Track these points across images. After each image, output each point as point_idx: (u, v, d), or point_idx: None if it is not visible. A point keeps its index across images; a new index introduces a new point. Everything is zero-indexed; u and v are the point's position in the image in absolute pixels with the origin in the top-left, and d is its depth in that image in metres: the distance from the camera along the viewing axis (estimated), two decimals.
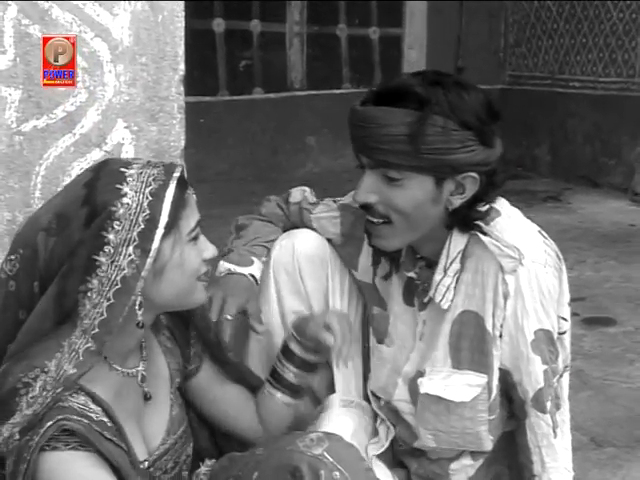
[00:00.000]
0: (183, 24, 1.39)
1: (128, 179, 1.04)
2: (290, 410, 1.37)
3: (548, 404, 1.28)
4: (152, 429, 1.18)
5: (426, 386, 1.31)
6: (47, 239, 1.04)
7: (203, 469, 1.31)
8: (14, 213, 1.32)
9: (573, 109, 5.24)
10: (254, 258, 1.42)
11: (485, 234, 1.25)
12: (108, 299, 1.02)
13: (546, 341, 1.26)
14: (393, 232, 1.25)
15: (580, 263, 3.33)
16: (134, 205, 1.02)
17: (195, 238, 1.11)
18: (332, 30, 5.28)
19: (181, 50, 1.39)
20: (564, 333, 1.32)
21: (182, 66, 1.40)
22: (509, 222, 1.28)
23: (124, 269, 1.02)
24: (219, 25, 4.84)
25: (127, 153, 1.38)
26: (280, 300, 1.46)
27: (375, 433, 1.46)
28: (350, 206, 1.42)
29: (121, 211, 1.02)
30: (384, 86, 1.24)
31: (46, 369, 1.02)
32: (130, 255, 1.02)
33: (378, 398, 1.45)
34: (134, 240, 1.02)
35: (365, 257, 1.43)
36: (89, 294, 1.02)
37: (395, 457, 1.46)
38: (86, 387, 1.05)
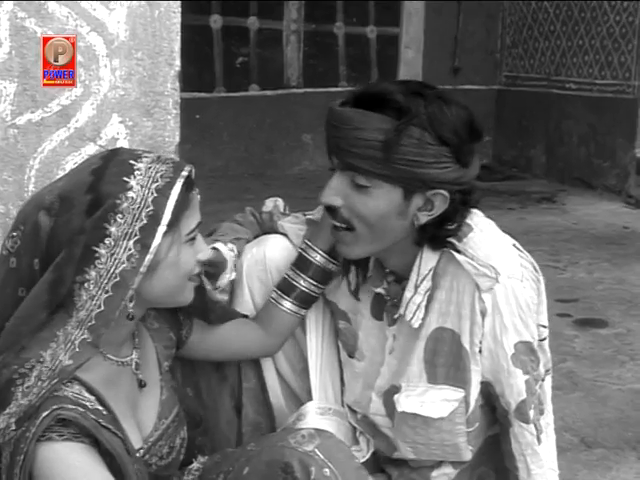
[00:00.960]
0: (179, 20, 1.38)
1: (136, 172, 1.04)
2: (296, 319, 1.39)
3: (531, 413, 1.27)
4: (145, 416, 1.18)
5: (403, 404, 1.30)
6: (49, 219, 1.04)
7: (195, 465, 1.31)
8: (7, 206, 1.31)
9: (569, 111, 5.26)
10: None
11: (459, 252, 1.22)
12: (106, 292, 1.02)
13: (526, 352, 1.25)
14: (355, 240, 1.23)
15: (573, 265, 3.35)
16: (138, 200, 1.02)
17: (193, 239, 1.11)
18: (329, 28, 5.30)
19: (177, 46, 1.38)
20: (544, 340, 1.31)
21: (178, 62, 1.39)
22: (482, 237, 1.25)
23: (123, 263, 1.02)
24: (216, 21, 4.84)
25: None
26: (256, 306, 1.44)
27: (355, 439, 1.45)
28: (316, 222, 1.39)
29: (125, 204, 1.02)
30: (365, 89, 1.20)
31: (41, 359, 1.02)
32: (130, 249, 1.02)
33: (354, 412, 1.45)
34: (135, 235, 1.02)
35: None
36: (86, 285, 1.02)
37: (376, 464, 1.45)
38: (80, 376, 1.05)
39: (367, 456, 1.42)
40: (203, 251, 1.14)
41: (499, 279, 1.20)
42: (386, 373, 1.35)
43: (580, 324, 2.71)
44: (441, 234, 1.22)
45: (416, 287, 1.25)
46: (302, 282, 1.35)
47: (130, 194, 1.02)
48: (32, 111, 1.31)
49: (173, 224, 1.05)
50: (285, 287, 1.36)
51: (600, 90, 5.05)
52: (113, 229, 1.01)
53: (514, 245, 1.28)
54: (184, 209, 1.07)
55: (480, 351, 1.25)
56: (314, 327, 1.45)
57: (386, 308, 1.34)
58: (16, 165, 1.31)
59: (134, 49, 1.35)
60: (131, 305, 1.06)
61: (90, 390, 1.06)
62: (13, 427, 0.99)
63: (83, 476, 0.99)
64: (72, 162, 1.34)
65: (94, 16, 1.32)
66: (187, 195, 1.07)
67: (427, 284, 1.25)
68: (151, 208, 1.02)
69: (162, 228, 1.03)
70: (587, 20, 5.14)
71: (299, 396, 1.49)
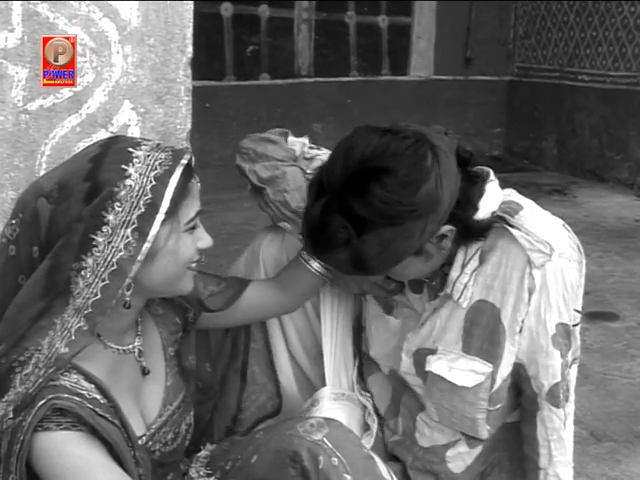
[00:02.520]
0: (192, 6, 1.37)
1: (134, 160, 1.03)
2: (319, 282, 1.38)
3: (561, 397, 1.28)
4: (149, 403, 1.18)
5: (432, 365, 1.33)
6: (48, 206, 1.03)
7: (203, 452, 1.31)
8: (19, 192, 1.30)
9: (581, 103, 5.21)
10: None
11: (512, 227, 1.24)
12: (103, 280, 1.01)
13: (563, 334, 1.26)
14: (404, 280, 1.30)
15: (584, 257, 3.36)
16: (137, 188, 1.01)
17: (193, 227, 1.10)
18: (341, 17, 5.25)
19: (189, 32, 1.37)
20: (577, 325, 1.32)
21: (190, 48, 1.38)
22: (534, 215, 1.27)
23: (121, 251, 1.01)
24: (227, 9, 4.81)
25: (133, 134, 1.36)
26: None
27: (367, 425, 1.46)
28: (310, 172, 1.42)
29: (123, 192, 1.01)
30: (312, 236, 1.17)
31: (39, 347, 1.02)
32: (128, 237, 1.01)
33: (371, 375, 1.47)
34: (133, 223, 1.01)
35: None
36: (83, 273, 1.01)
37: (385, 450, 1.45)
38: (79, 365, 1.05)
39: (374, 433, 1.43)
40: (204, 239, 1.13)
41: (554, 254, 1.22)
42: (416, 339, 1.37)
43: (591, 317, 2.70)
44: (476, 226, 1.23)
45: (463, 267, 1.27)
46: None
47: (128, 182, 1.01)
48: (44, 97, 1.30)
49: (172, 212, 1.04)
50: None
51: (613, 82, 5.00)
52: (111, 217, 1.01)
53: (563, 225, 1.30)
54: (183, 197, 1.06)
55: (520, 330, 1.26)
56: (329, 313, 1.46)
57: (426, 285, 1.36)
58: (27, 151, 1.31)
59: (146, 35, 1.34)
60: (128, 293, 1.04)
61: (89, 379, 1.05)
62: (11, 415, 0.99)
63: (84, 464, 0.99)
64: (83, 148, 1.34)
65: (106, 2, 1.31)
66: (186, 183, 1.06)
67: (474, 264, 1.27)
68: (149, 196, 1.01)
69: (160, 216, 1.02)
70: (601, 11, 5.08)
71: (312, 381, 1.50)
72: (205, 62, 4.54)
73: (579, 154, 5.26)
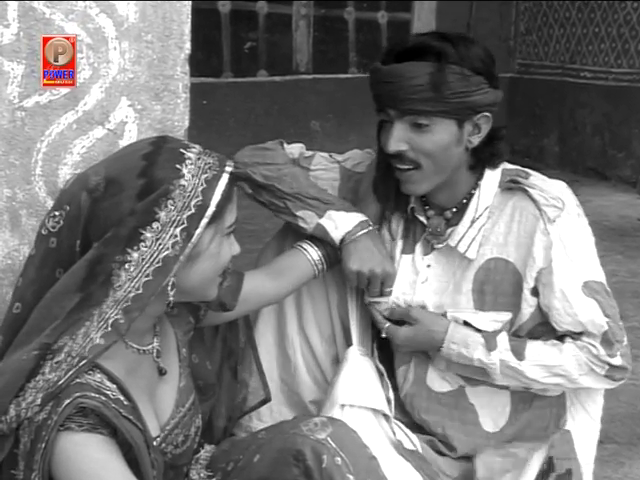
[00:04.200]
0: (190, 2, 1.36)
1: (187, 161, 1.06)
2: (312, 273, 1.45)
3: (615, 343, 1.39)
4: (163, 404, 1.18)
5: (455, 313, 1.42)
6: (89, 200, 1.05)
7: (203, 454, 1.31)
8: (14, 190, 1.29)
9: (583, 100, 5.19)
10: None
11: (527, 187, 1.38)
12: (146, 275, 1.03)
13: (596, 289, 1.37)
14: (422, 176, 1.38)
15: None
16: (189, 188, 1.04)
17: (230, 233, 1.13)
18: (340, 13, 5.24)
19: (187, 28, 1.35)
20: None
21: (188, 45, 1.36)
22: (543, 178, 1.43)
23: (168, 249, 1.03)
24: (225, 5, 4.79)
25: (130, 132, 1.34)
26: None
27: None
28: (352, 172, 1.55)
29: (177, 191, 1.03)
30: (401, 45, 1.38)
31: (74, 336, 1.02)
32: (176, 236, 1.03)
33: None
34: (182, 222, 1.03)
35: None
36: (126, 266, 1.03)
37: (411, 418, 1.52)
38: (101, 364, 1.05)
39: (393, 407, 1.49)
40: (235, 246, 1.15)
41: (565, 209, 1.37)
42: (419, 301, 1.47)
43: None
44: (494, 152, 1.40)
45: (472, 222, 1.41)
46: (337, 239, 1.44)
47: (182, 182, 1.04)
48: (40, 93, 1.28)
49: (218, 216, 1.07)
50: (317, 239, 1.45)
51: (616, 79, 4.98)
52: (162, 214, 1.03)
53: (567, 187, 1.45)
54: (228, 202, 1.09)
55: (536, 290, 1.38)
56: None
57: (425, 237, 1.48)
58: (23, 148, 1.29)
59: (144, 32, 1.32)
60: (172, 293, 1.06)
61: (112, 379, 1.05)
62: (38, 402, 0.99)
63: (100, 469, 0.99)
64: (80, 146, 1.32)
65: None
66: (231, 189, 1.09)
67: (482, 220, 1.41)
68: (200, 198, 1.04)
69: (206, 219, 1.05)
70: (604, 7, 5.06)
71: (320, 360, 1.57)
72: (202, 59, 4.52)
73: (581, 152, 5.25)
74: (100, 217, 1.04)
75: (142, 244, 1.03)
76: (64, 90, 1.30)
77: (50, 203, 1.28)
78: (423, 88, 1.31)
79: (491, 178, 1.42)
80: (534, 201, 1.37)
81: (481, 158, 1.41)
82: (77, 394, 0.99)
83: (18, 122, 1.27)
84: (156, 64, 1.34)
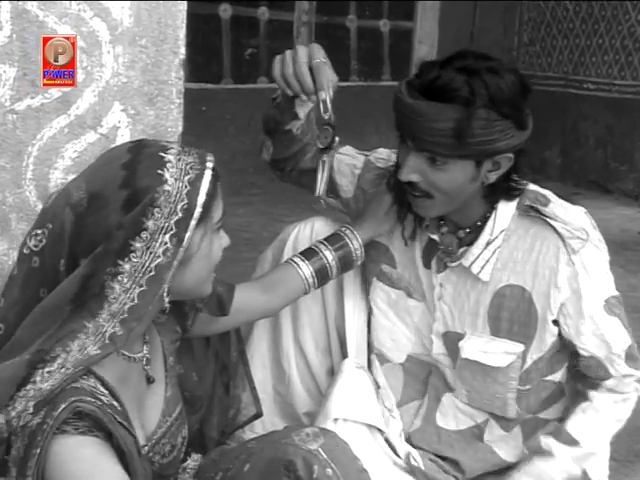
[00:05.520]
0: (185, 7, 1.34)
1: (168, 165, 1.03)
2: (303, 290, 1.43)
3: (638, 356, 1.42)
4: (149, 413, 1.17)
5: (467, 351, 1.42)
6: (72, 217, 1.02)
7: (191, 463, 1.29)
8: (4, 194, 1.28)
9: (586, 112, 5.18)
10: None
11: (548, 217, 1.37)
12: (140, 285, 1.01)
13: (616, 304, 1.41)
14: (432, 204, 1.37)
15: None
16: (174, 193, 1.01)
17: (219, 228, 1.11)
18: (342, 21, 5.22)
19: (182, 33, 1.34)
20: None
21: (183, 50, 1.35)
22: (561, 205, 1.41)
23: (159, 257, 1.01)
24: (225, 11, 4.76)
25: (123, 137, 1.34)
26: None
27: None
28: (373, 165, 1.53)
29: (162, 198, 1.01)
30: (429, 79, 1.29)
31: (67, 349, 1.00)
32: (166, 243, 1.01)
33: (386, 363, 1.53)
34: (171, 229, 1.01)
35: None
36: (119, 277, 1.01)
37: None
38: (94, 370, 1.03)
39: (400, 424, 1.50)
40: (225, 238, 1.14)
41: (588, 240, 1.37)
42: (441, 319, 1.47)
43: None
44: (511, 186, 1.38)
45: (487, 244, 1.39)
46: (329, 257, 1.43)
47: (166, 187, 1.01)
48: (32, 97, 1.27)
49: (205, 215, 1.05)
50: (310, 255, 1.43)
51: (619, 91, 4.96)
52: (150, 223, 1.00)
53: (585, 213, 1.45)
54: (213, 199, 1.06)
55: (557, 318, 1.38)
56: (351, 295, 1.55)
57: (438, 255, 1.46)
58: (14, 151, 1.27)
59: (138, 36, 1.31)
60: (167, 300, 1.05)
61: (104, 384, 1.04)
62: (30, 410, 0.96)
63: (97, 473, 0.97)
64: (72, 150, 1.31)
65: (98, 1, 1.27)
66: (215, 185, 1.07)
67: (498, 242, 1.40)
68: (185, 201, 1.02)
69: (194, 221, 1.03)
70: (607, 18, 5.04)
71: (315, 372, 1.57)
72: (202, 64, 4.49)
73: (583, 164, 5.23)
74: (86, 233, 1.01)
75: (132, 255, 1.00)
76: (56, 93, 1.28)
77: (40, 207, 1.28)
78: (445, 133, 1.26)
79: (506, 204, 1.41)
80: (557, 233, 1.37)
81: (496, 192, 1.38)
82: (73, 398, 0.97)
83: (9, 125, 1.26)
84: (150, 69, 1.33)
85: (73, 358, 0.99)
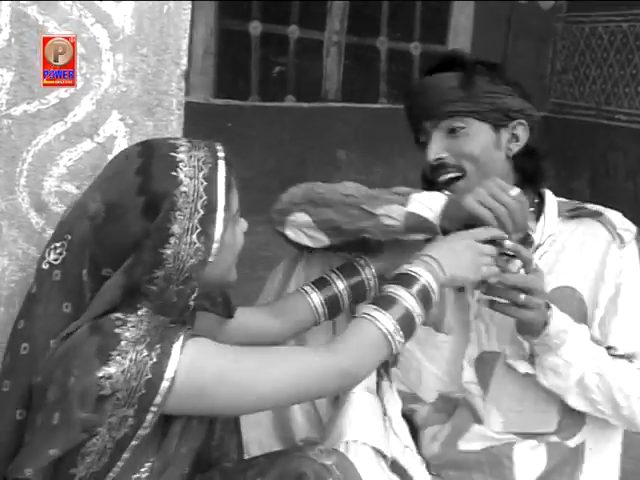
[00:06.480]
0: (189, 17, 1.32)
1: (180, 165, 1.03)
2: (312, 320, 1.38)
3: None
4: None
5: (520, 367, 1.38)
6: (92, 227, 1.03)
7: None
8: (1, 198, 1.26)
9: (617, 143, 5.08)
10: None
11: (593, 213, 1.41)
12: (177, 285, 1.03)
13: None
14: (467, 183, 1.36)
15: None
16: (191, 192, 1.02)
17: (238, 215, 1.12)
18: (372, 42, 5.22)
19: (185, 44, 1.32)
20: None
21: (185, 60, 1.33)
22: (601, 207, 1.45)
23: (192, 258, 1.02)
24: (256, 28, 4.79)
25: (120, 147, 1.31)
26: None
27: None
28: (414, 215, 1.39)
29: (180, 200, 1.02)
30: (432, 66, 1.46)
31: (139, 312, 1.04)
32: (195, 243, 1.02)
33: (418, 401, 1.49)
34: (196, 228, 1.02)
35: None
36: (156, 281, 1.03)
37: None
38: None
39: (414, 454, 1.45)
40: (243, 223, 1.15)
41: (634, 234, 1.41)
42: (475, 340, 1.43)
43: None
44: (537, 168, 1.44)
45: (535, 249, 1.39)
46: (340, 285, 1.39)
47: (182, 189, 1.02)
48: (28, 102, 1.25)
49: (227, 207, 1.05)
50: (321, 284, 1.40)
51: None
52: (175, 227, 1.01)
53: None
54: (231, 189, 1.07)
55: (599, 314, 1.38)
56: None
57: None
58: (8, 157, 1.26)
59: (139, 44, 1.29)
60: (193, 296, 1.06)
61: None
62: (145, 353, 0.98)
63: (231, 351, 1.06)
64: (67, 158, 1.28)
65: (99, 7, 1.26)
66: (230, 175, 1.07)
67: (545, 247, 1.41)
68: (205, 198, 1.03)
69: (220, 214, 1.04)
70: None
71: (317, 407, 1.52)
72: (230, 80, 4.51)
73: (611, 196, 5.10)
74: (107, 242, 1.02)
75: (166, 262, 1.02)
76: (54, 100, 1.27)
77: (33, 214, 1.25)
78: (453, 89, 1.38)
79: (551, 207, 1.44)
80: (607, 226, 1.40)
81: (526, 174, 1.42)
82: (180, 332, 1.01)
83: (5, 130, 1.24)
84: (150, 78, 1.31)
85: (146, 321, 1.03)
